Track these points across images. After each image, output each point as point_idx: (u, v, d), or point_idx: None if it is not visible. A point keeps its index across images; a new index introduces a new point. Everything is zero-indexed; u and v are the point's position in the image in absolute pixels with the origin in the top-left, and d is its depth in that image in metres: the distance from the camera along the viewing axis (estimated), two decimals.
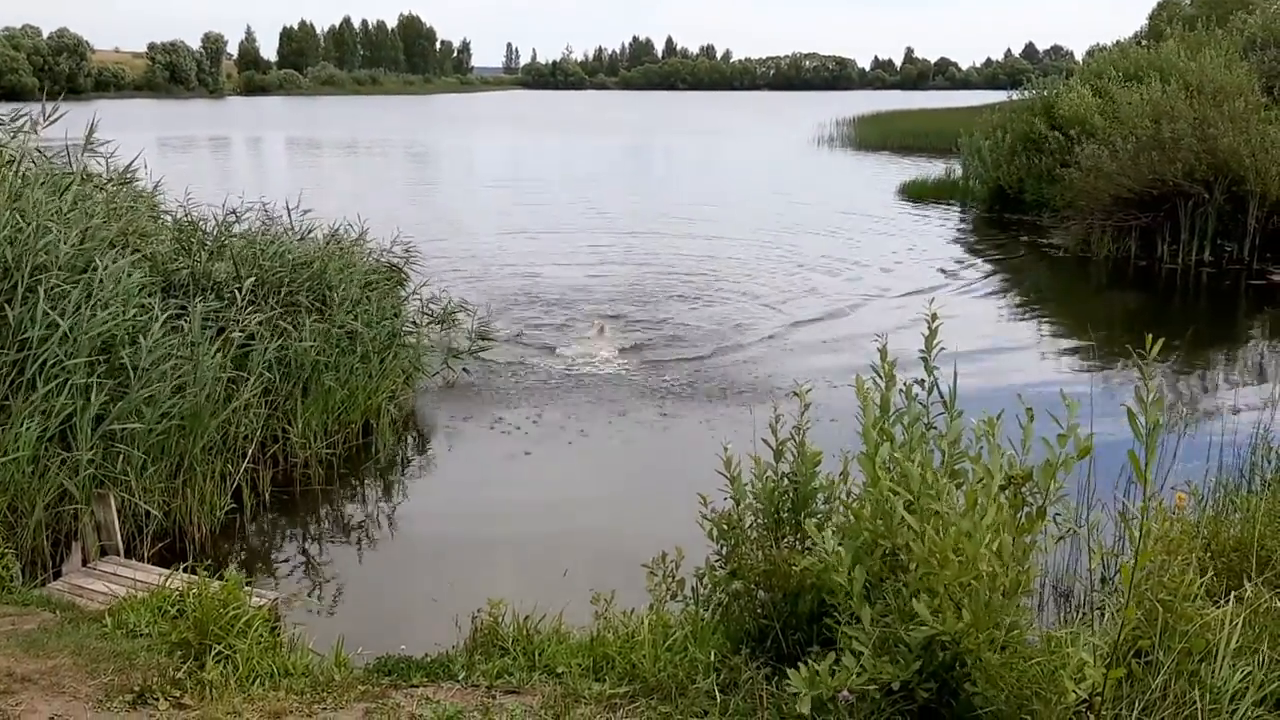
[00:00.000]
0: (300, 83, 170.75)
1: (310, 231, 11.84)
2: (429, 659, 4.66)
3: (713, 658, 4.15)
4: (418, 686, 4.36)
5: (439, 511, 9.20)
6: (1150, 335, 3.07)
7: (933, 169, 35.24)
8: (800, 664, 3.41)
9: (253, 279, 9.87)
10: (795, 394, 4.38)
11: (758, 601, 4.37)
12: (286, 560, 8.29)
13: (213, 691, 4.38)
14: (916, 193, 31.83)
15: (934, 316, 4.05)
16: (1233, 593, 3.58)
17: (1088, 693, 3.10)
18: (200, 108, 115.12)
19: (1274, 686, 3.22)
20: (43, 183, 8.75)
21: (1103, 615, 4.01)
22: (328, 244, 11.54)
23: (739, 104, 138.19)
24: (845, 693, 3.28)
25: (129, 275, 8.45)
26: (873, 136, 54.10)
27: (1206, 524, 4.64)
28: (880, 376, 3.92)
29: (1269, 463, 7.93)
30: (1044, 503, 3.23)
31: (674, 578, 4.99)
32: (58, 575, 7.36)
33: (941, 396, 3.85)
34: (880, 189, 33.81)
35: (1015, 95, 29.54)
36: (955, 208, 29.56)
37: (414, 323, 12.91)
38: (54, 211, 8.42)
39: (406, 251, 13.27)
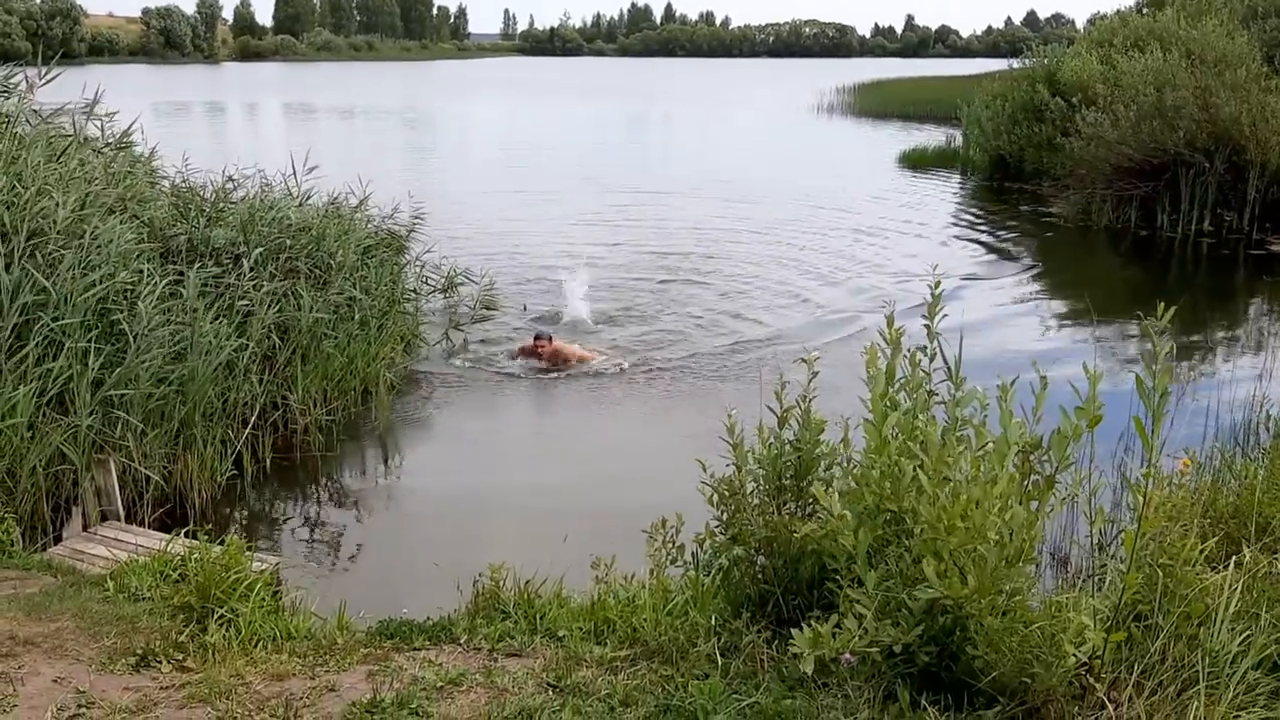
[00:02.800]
0: (296, 48, 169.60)
1: (309, 197, 11.80)
2: (431, 622, 4.69)
3: (713, 622, 4.17)
4: (420, 649, 4.38)
5: (438, 478, 9.22)
6: (1162, 303, 3.07)
7: (933, 138, 35.13)
8: (802, 626, 3.43)
9: (260, 249, 9.85)
10: (803, 360, 4.38)
11: (758, 567, 4.39)
12: (287, 525, 8.32)
13: (215, 655, 4.40)
14: (916, 161, 31.74)
15: (937, 284, 4.04)
16: (1232, 558, 3.60)
17: (1087, 656, 3.12)
18: (196, 73, 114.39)
19: (1272, 650, 3.24)
20: (39, 145, 8.70)
21: (1101, 581, 4.03)
22: (327, 210, 11.51)
23: (738, 71, 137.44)
24: (847, 655, 3.30)
25: (122, 236, 8.42)
26: (873, 104, 53.88)
27: (1205, 490, 4.66)
28: (886, 344, 3.92)
29: (1266, 430, 7.96)
30: (1055, 472, 3.24)
31: (674, 543, 5.01)
32: (58, 540, 7.38)
33: (946, 363, 3.85)
34: (880, 157, 33.69)
35: (1016, 64, 29.39)
36: (955, 177, 29.48)
37: (414, 290, 12.90)
38: (53, 176, 8.38)
39: (413, 218, 13.24)
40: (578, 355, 11.82)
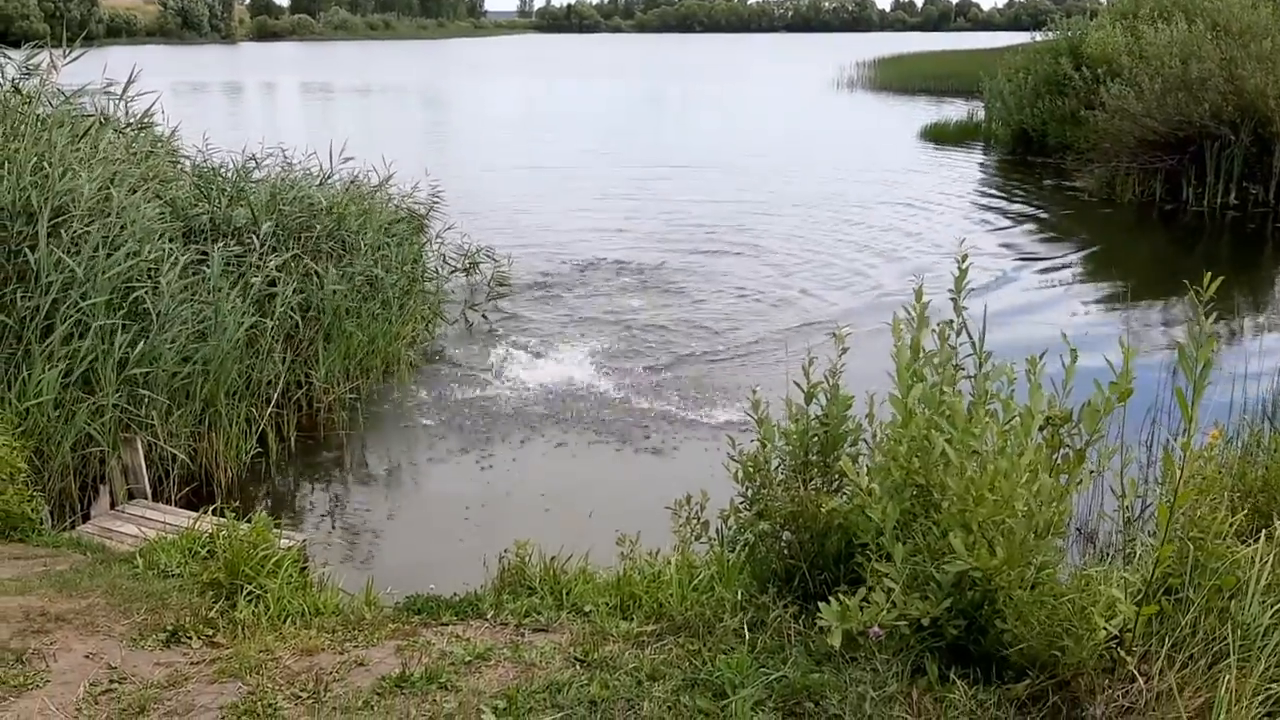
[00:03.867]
0: (313, 28, 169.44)
1: (330, 177, 11.83)
2: (458, 598, 4.71)
3: (739, 597, 4.17)
4: (447, 624, 4.41)
5: (461, 455, 9.25)
6: (1209, 274, 3.05)
7: (955, 112, 34.87)
8: (830, 599, 3.43)
9: (283, 229, 9.89)
10: (834, 334, 4.37)
11: (784, 542, 4.39)
12: (312, 503, 8.38)
13: (245, 630, 4.44)
14: (939, 136, 31.54)
15: (964, 257, 4.02)
16: (1262, 531, 3.58)
17: (1118, 629, 3.12)
18: (213, 53, 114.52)
19: None
20: (62, 125, 8.74)
21: (1129, 556, 4.02)
22: (347, 190, 11.54)
23: (757, 47, 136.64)
24: (875, 628, 3.30)
25: (143, 213, 8.45)
26: (894, 79, 53.46)
27: (1234, 464, 4.64)
28: (914, 317, 3.91)
29: None
30: (1085, 445, 3.22)
31: (699, 520, 5.02)
32: (87, 519, 7.46)
33: (971, 338, 3.83)
34: (901, 132, 33.49)
35: (1039, 36, 29.12)
36: (978, 151, 29.28)
37: (435, 270, 12.94)
38: (78, 156, 8.42)
39: (431, 197, 13.25)
40: None
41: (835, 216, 20.02)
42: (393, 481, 8.81)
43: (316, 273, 9.87)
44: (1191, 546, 3.25)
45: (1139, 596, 3.16)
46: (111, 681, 3.96)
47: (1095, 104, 21.88)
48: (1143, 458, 7.00)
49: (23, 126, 8.40)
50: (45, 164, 8.01)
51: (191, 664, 4.13)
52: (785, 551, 4.33)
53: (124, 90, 10.37)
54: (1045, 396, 3.30)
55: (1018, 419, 3.42)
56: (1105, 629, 3.06)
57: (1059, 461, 3.31)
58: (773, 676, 3.43)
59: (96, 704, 3.78)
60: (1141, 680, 3.05)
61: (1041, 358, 3.42)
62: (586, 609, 4.48)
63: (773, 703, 3.32)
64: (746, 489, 4.67)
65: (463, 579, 5.16)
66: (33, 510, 6.39)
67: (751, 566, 4.45)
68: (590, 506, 7.20)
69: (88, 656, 4.20)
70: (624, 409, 10.12)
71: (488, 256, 14.19)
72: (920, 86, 49.59)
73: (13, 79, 9.28)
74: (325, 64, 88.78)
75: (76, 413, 7.44)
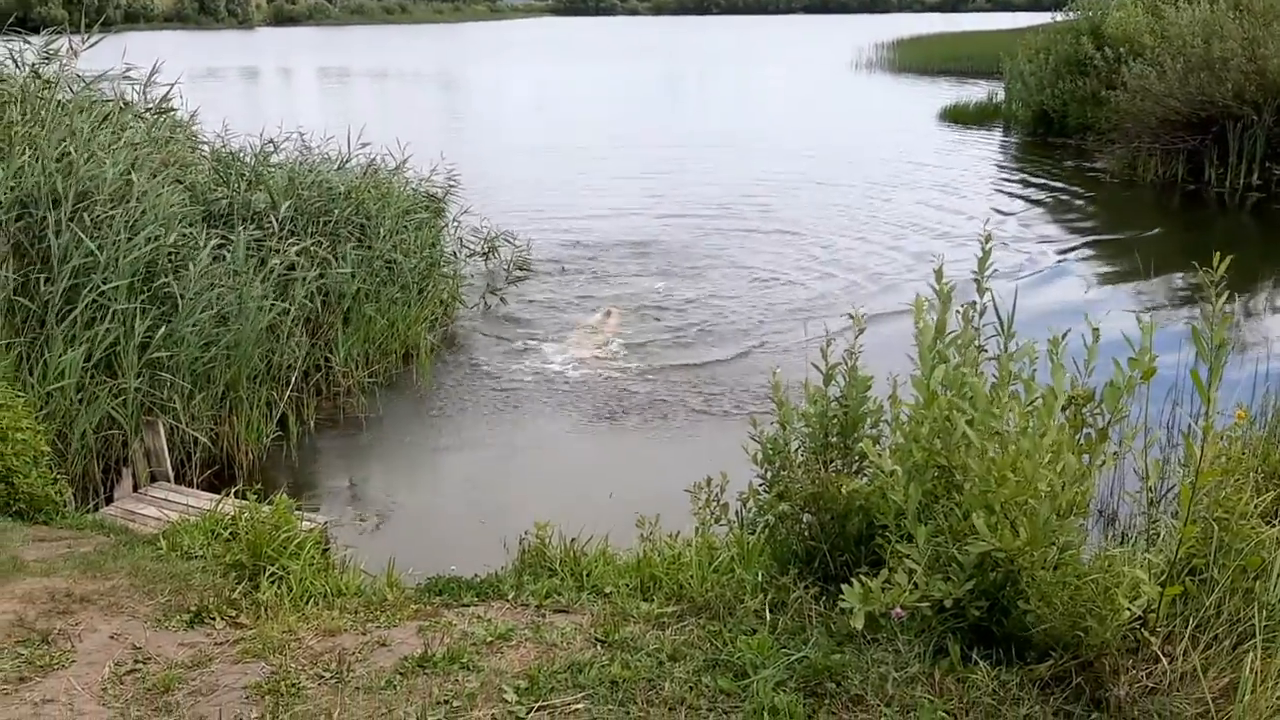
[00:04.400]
0: (330, 12, 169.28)
1: (348, 161, 11.85)
2: (479, 579, 4.73)
3: (760, 578, 4.18)
4: (468, 605, 4.42)
5: (480, 438, 9.28)
6: (1218, 253, 3.02)
7: (974, 93, 34.62)
8: (852, 581, 3.43)
9: (302, 214, 9.92)
10: (850, 316, 4.35)
11: (804, 524, 4.39)
12: (333, 485, 8.42)
13: (268, 611, 4.47)
14: (958, 117, 31.33)
15: (987, 238, 4.00)
16: None
17: (1141, 610, 3.10)
18: (231, 39, 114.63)
19: None
20: (83, 110, 8.78)
21: (1151, 537, 4.00)
22: (365, 174, 11.56)
23: (775, 28, 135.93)
24: (898, 610, 3.30)
25: (163, 198, 8.49)
26: (913, 60, 53.07)
27: (1259, 444, 4.60)
28: (936, 298, 3.89)
29: None
30: (1108, 425, 3.20)
31: (718, 502, 5.03)
32: (109, 501, 7.52)
33: (998, 317, 3.81)
34: (921, 114, 33.26)
35: (1059, 16, 28.86)
36: (998, 132, 29.09)
37: (453, 253, 12.95)
38: (98, 142, 8.45)
39: (449, 180, 13.25)
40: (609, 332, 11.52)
41: (855, 198, 19.93)
42: (412, 464, 8.84)
43: (335, 257, 9.89)
44: (1216, 527, 3.23)
45: (1163, 577, 3.14)
46: (136, 662, 3.99)
47: (1116, 84, 21.70)
48: (1164, 438, 6.97)
49: (44, 112, 8.43)
50: (68, 150, 8.04)
51: (215, 644, 4.16)
52: (806, 533, 4.34)
53: (148, 77, 10.40)
54: (1068, 376, 3.28)
55: (1040, 399, 3.40)
56: (1129, 610, 3.05)
57: (1081, 441, 3.30)
58: (794, 657, 3.43)
59: (122, 684, 3.81)
60: (1165, 661, 3.04)
61: (1064, 337, 3.40)
62: (607, 590, 4.48)
63: (794, 683, 3.32)
64: (766, 471, 4.67)
65: (483, 560, 5.17)
66: (56, 492, 6.44)
67: (772, 548, 4.45)
68: (610, 489, 7.20)
69: (113, 637, 4.23)
70: (643, 392, 10.12)
71: (506, 240, 14.20)
72: (940, 68, 49.22)
73: (33, 64, 9.31)
74: (342, 49, 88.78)
75: (99, 396, 7.50)
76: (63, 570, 4.90)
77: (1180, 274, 13.88)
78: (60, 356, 7.30)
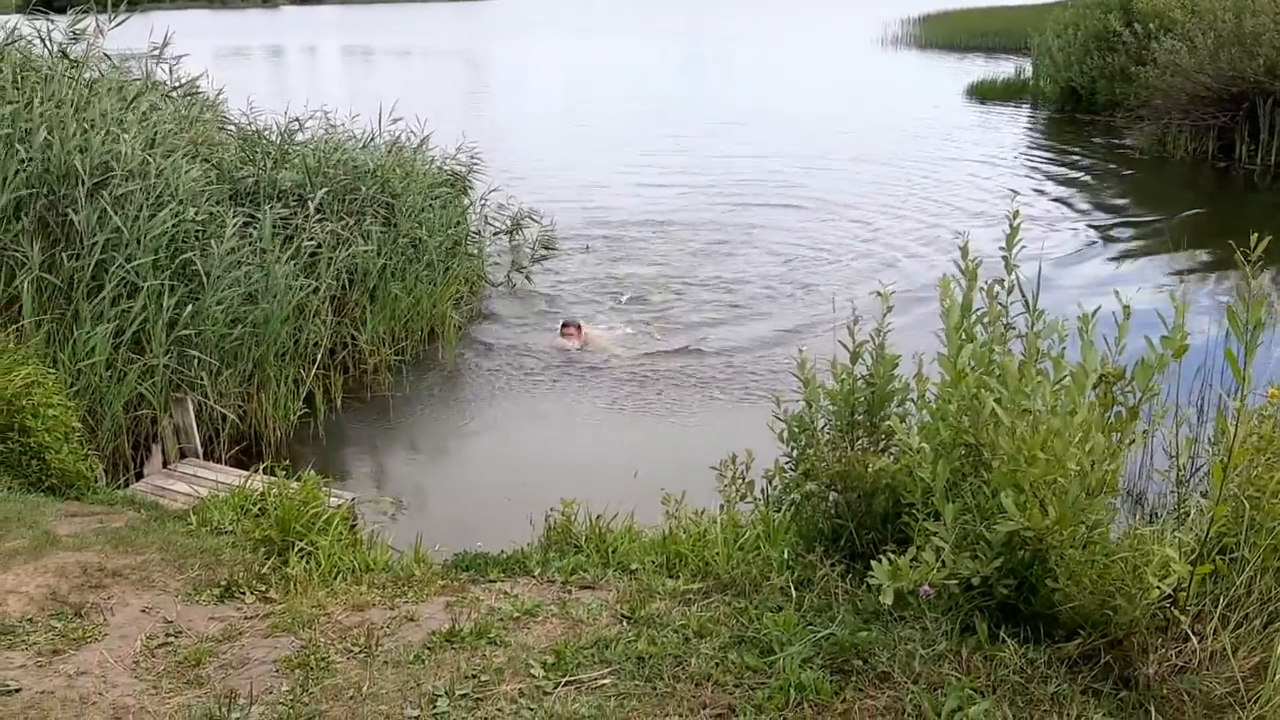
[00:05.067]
0: None
1: (373, 139, 11.87)
2: (505, 555, 4.75)
3: (785, 555, 4.18)
4: (495, 581, 4.44)
5: (505, 416, 9.30)
6: (1255, 233, 2.99)
7: (1002, 69, 34.27)
8: (879, 558, 3.42)
9: (327, 191, 9.95)
10: (878, 294, 4.33)
11: (830, 502, 4.39)
12: (360, 462, 8.47)
13: (297, 586, 4.51)
14: (985, 93, 31.03)
15: (1016, 214, 3.97)
16: None
17: (1171, 588, 3.09)
18: (255, 18, 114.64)
19: None
20: (110, 90, 8.81)
21: (1181, 516, 3.97)
22: (390, 152, 11.57)
23: (798, 4, 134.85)
24: (926, 587, 3.29)
25: (188, 174, 8.52)
26: (940, 36, 52.53)
27: None
28: (962, 275, 3.86)
29: None
30: (1138, 403, 3.18)
31: (744, 479, 5.02)
32: (139, 477, 7.59)
33: (1024, 295, 3.78)
34: (948, 90, 32.95)
35: None
36: (1025, 108, 28.83)
37: (477, 231, 12.96)
38: (124, 121, 8.49)
39: (472, 158, 13.25)
40: (604, 346, 10.94)
41: (881, 173, 19.79)
42: (438, 441, 8.88)
43: (361, 235, 9.92)
44: (1247, 505, 3.20)
45: (1193, 556, 3.12)
46: (168, 635, 4.04)
47: (1146, 60, 21.44)
48: (1194, 417, 6.90)
49: (70, 92, 8.47)
50: (92, 129, 8.07)
51: (245, 618, 4.20)
52: (832, 511, 4.33)
53: (159, 52, 10.40)
54: (1098, 354, 3.26)
55: (1069, 377, 3.38)
56: (1158, 588, 3.04)
57: (1111, 420, 3.27)
58: (820, 634, 3.43)
59: (154, 656, 3.86)
60: (1195, 640, 3.03)
61: (1094, 315, 3.37)
62: (633, 567, 4.50)
63: (821, 660, 3.33)
64: (792, 449, 4.66)
65: (509, 537, 5.18)
66: (88, 469, 6.50)
67: (798, 526, 4.45)
68: (636, 467, 7.20)
69: (144, 611, 4.28)
70: (669, 370, 10.11)
71: (532, 219, 14.17)
72: (967, 44, 48.72)
73: (59, 44, 9.34)
74: (365, 28, 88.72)
75: (128, 373, 7.56)
76: (95, 545, 4.95)
77: (1211, 251, 13.74)
78: (90, 334, 7.36)
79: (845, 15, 74.93)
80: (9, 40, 9.13)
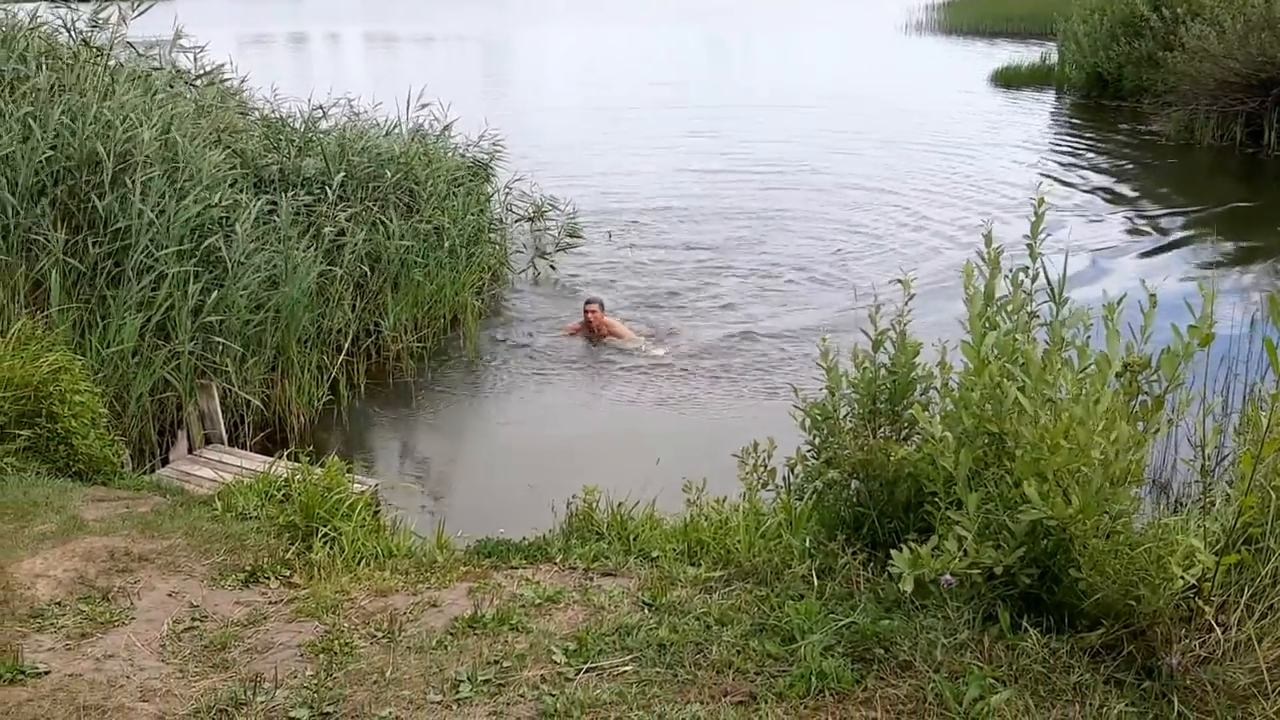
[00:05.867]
0: None
1: (395, 126, 11.89)
2: (527, 542, 4.77)
3: (807, 544, 4.17)
4: (517, 568, 4.46)
5: (527, 403, 9.33)
6: None
7: (1027, 55, 34.00)
8: (899, 547, 3.42)
9: (352, 179, 9.98)
10: (900, 281, 4.31)
11: (852, 490, 4.38)
12: (383, 448, 8.52)
13: (320, 572, 4.54)
14: (1010, 79, 30.81)
15: (1041, 201, 3.94)
16: None
17: (1196, 579, 3.07)
18: (278, 5, 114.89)
19: None
20: (132, 78, 8.85)
21: (1206, 506, 3.95)
22: (413, 139, 11.59)
23: None
24: (948, 576, 3.29)
25: (211, 162, 8.56)
26: (964, 21, 52.14)
27: None
28: (985, 262, 3.84)
29: None
30: (1164, 392, 3.16)
31: (766, 467, 5.02)
32: (165, 463, 7.66)
33: (1049, 283, 3.76)
34: (973, 76, 32.72)
35: None
36: (1051, 95, 28.61)
37: (499, 219, 12.97)
38: (146, 108, 8.53)
39: (494, 145, 13.24)
40: (621, 334, 10.84)
41: (904, 161, 19.67)
42: (461, 428, 8.91)
43: (384, 222, 9.95)
44: (1274, 496, 3.18)
45: (1218, 546, 3.10)
46: (194, 619, 4.08)
47: (1174, 46, 21.24)
48: (1219, 406, 6.86)
49: (93, 79, 8.51)
50: (115, 117, 8.11)
51: (270, 603, 4.24)
52: (854, 500, 4.33)
53: (173, 41, 10.41)
54: (1123, 343, 3.24)
55: (1094, 366, 3.35)
56: (1183, 578, 3.02)
57: (1136, 409, 3.25)
58: (842, 623, 3.43)
59: (180, 640, 3.90)
60: (1219, 630, 3.01)
61: (1119, 303, 3.34)
62: (654, 554, 4.51)
63: (842, 648, 3.32)
64: (814, 437, 4.65)
65: (531, 524, 5.21)
66: (114, 454, 6.57)
67: (819, 514, 4.44)
68: (658, 454, 7.21)
69: (170, 595, 4.32)
70: (694, 359, 10.11)
71: (553, 205, 14.11)
72: (991, 29, 48.35)
73: (82, 33, 9.39)
74: (389, 15, 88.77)
75: (153, 360, 7.62)
76: (121, 529, 5.00)
77: (1238, 239, 13.61)
78: (118, 321, 7.41)
79: (868, 1, 74.38)
80: (33, 26, 9.19)
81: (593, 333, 10.68)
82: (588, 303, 10.84)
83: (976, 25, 50.07)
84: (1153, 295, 3.25)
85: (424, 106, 12.17)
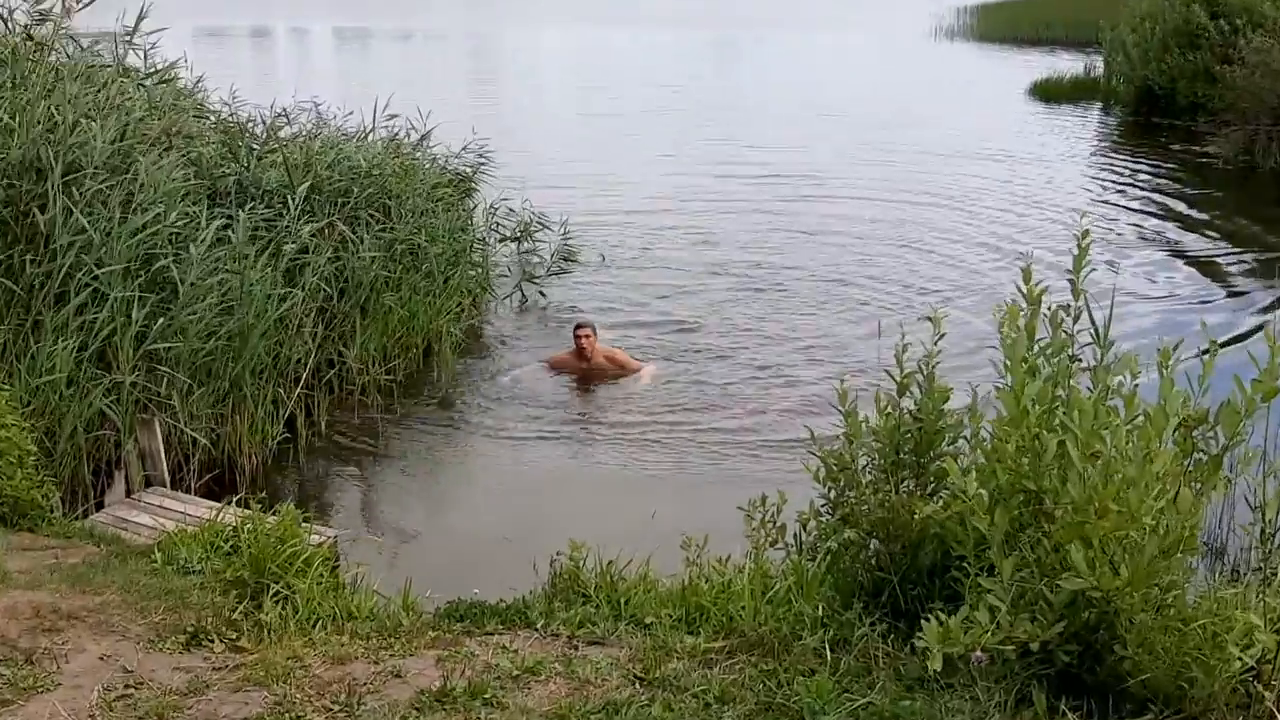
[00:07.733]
0: None
1: (368, 135, 11.90)
2: (504, 604, 4.74)
3: (820, 611, 4.16)
4: (493, 634, 4.44)
5: (508, 444, 9.29)
6: None
7: (1069, 65, 34.23)
8: (928, 618, 3.40)
9: (319, 194, 9.98)
10: (929, 319, 4.32)
11: (871, 551, 4.37)
12: (345, 494, 8.49)
13: (271, 634, 4.51)
14: (1050, 93, 30.98)
15: (1085, 234, 3.95)
16: None
17: (1255, 660, 3.06)
18: None
19: None
20: (78, 75, 8.87)
21: (1266, 577, 3.94)
22: (387, 149, 11.60)
23: None
24: (979, 652, 3.27)
25: (170, 177, 8.57)
26: (999, 28, 52.53)
27: None
28: (1025, 301, 3.85)
29: None
30: (1222, 450, 3.16)
31: (774, 523, 5.00)
32: (100, 506, 7.61)
33: (1094, 324, 3.76)
34: (1009, 88, 32.91)
35: None
36: (1095, 110, 28.79)
37: (482, 239, 12.97)
38: (92, 107, 8.54)
39: (479, 157, 13.25)
40: (621, 362, 10.78)
41: (931, 181, 19.73)
42: (433, 473, 8.89)
43: (352, 240, 9.93)
44: None
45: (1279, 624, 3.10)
46: (127, 686, 4.05)
47: (1233, 59, 21.40)
48: None
49: (34, 76, 8.53)
50: (57, 117, 8.12)
51: (213, 669, 4.20)
52: (873, 562, 4.31)
53: (132, 33, 10.42)
54: (1180, 395, 3.24)
55: (1143, 418, 3.35)
56: (1240, 659, 3.01)
57: (1192, 469, 3.25)
58: (858, 703, 3.42)
59: (111, 710, 3.86)
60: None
61: (1175, 349, 3.35)
62: (647, 621, 4.49)
63: None
64: (829, 490, 4.64)
65: (510, 583, 5.17)
66: (43, 496, 6.52)
67: (834, 578, 4.43)
68: (653, 506, 7.19)
69: (102, 658, 4.29)
70: (694, 398, 10.08)
71: (542, 224, 13.98)
72: (1029, 36, 48.69)
73: (24, 25, 9.42)
74: (361, 8, 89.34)
75: (90, 390, 7.58)
76: (49, 583, 4.97)
77: None
78: (51, 347, 7.38)
79: (894, 4, 75.02)
80: None
81: (585, 362, 10.62)
82: (578, 327, 10.77)
83: (1012, 32, 50.42)
84: (1213, 342, 3.25)
85: (392, 119, 12.17)
